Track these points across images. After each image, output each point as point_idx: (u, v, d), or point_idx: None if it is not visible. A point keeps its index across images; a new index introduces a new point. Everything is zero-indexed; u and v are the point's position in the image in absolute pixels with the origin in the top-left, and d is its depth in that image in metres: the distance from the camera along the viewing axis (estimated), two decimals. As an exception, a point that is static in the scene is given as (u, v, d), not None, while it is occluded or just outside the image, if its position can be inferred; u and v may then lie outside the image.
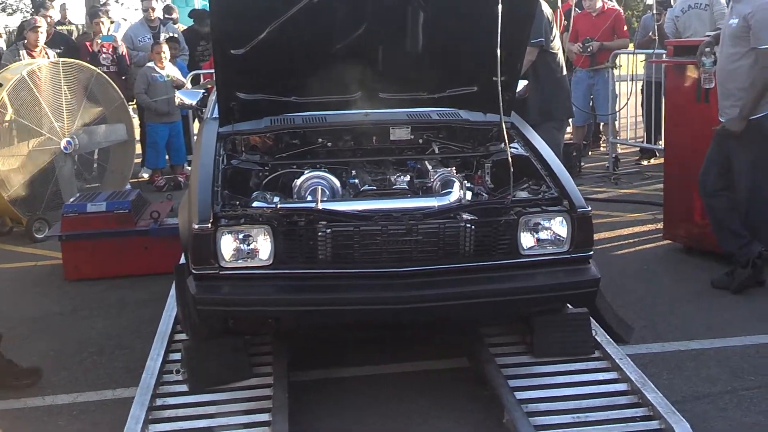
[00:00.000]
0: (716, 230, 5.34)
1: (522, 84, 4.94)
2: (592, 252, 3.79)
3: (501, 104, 3.96)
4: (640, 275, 5.61)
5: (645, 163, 9.30)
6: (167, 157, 9.28)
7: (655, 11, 8.67)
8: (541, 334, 3.92)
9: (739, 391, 3.88)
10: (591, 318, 4.04)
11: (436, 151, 4.49)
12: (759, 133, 5.00)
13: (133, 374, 4.03)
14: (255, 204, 3.74)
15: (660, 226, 6.36)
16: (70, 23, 12.04)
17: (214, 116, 4.56)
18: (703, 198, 5.39)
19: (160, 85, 8.80)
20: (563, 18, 9.48)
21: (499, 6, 3.73)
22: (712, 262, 5.59)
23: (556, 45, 6.30)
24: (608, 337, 4.09)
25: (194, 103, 5.49)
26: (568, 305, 4.02)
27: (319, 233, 3.54)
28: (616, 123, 9.53)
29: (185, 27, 10.73)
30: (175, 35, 9.68)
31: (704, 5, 7.75)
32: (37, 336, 4.88)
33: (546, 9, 6.19)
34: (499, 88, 3.90)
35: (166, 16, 10.53)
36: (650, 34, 8.65)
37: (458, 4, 4.21)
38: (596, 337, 4.01)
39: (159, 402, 3.62)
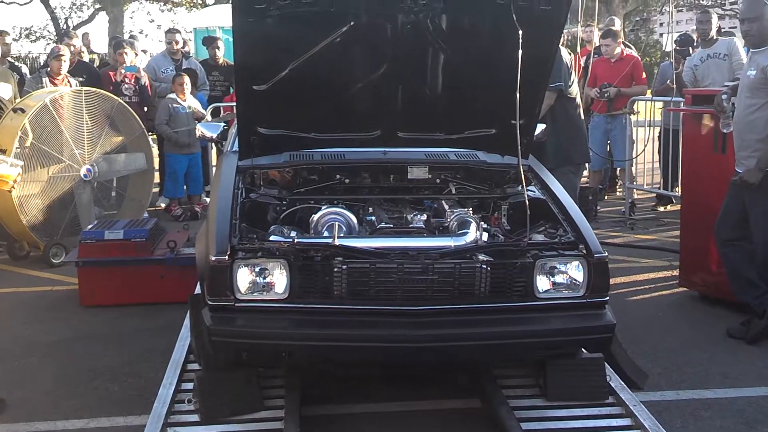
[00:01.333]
0: (732, 280, 5.32)
1: (540, 128, 4.98)
2: (607, 297, 3.79)
3: (519, 147, 3.99)
4: (655, 322, 5.58)
5: (661, 209, 9.29)
6: (185, 187, 9.35)
7: (673, 59, 8.72)
8: (555, 377, 3.90)
9: (753, 443, 3.85)
10: (606, 363, 4.02)
11: (453, 192, 4.52)
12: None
13: (146, 402, 4.04)
14: (272, 238, 3.78)
15: (676, 273, 6.34)
16: (92, 52, 12.20)
17: (234, 149, 4.61)
18: (719, 247, 5.38)
19: (181, 117, 8.90)
20: (581, 63, 9.55)
21: (519, 50, 3.77)
22: (728, 311, 5.55)
23: (574, 90, 6.36)
24: (623, 383, 4.06)
25: (215, 135, 5.56)
26: (583, 350, 4.00)
27: (335, 269, 3.56)
28: (633, 168, 9.55)
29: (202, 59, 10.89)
30: (196, 69, 9.80)
31: (723, 55, 7.80)
32: (50, 361, 4.89)
33: (565, 54, 6.25)
34: (518, 130, 3.93)
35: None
36: (668, 81, 8.69)
37: (478, 47, 4.26)
38: (611, 382, 3.98)
39: (170, 431, 3.61)
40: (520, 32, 3.78)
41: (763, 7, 5.00)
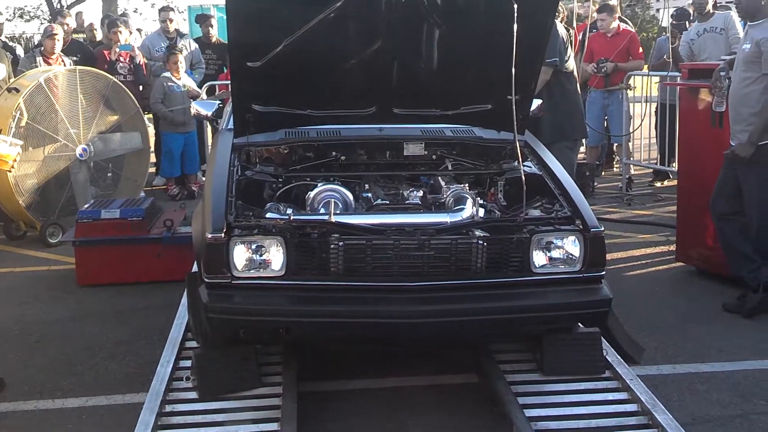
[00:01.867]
0: (727, 254, 5.33)
1: (536, 103, 4.96)
2: (604, 272, 3.79)
3: (515, 122, 3.98)
4: (652, 296, 5.60)
5: (658, 184, 9.29)
6: (181, 166, 9.33)
7: (669, 34, 8.69)
8: (551, 352, 3.91)
9: (750, 415, 3.87)
10: (602, 338, 4.04)
11: (450, 168, 4.51)
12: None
13: (144, 380, 4.06)
14: (268, 215, 3.76)
15: (672, 248, 6.35)
16: (88, 30, 12.11)
17: (229, 127, 4.59)
18: (714, 221, 5.39)
19: (176, 95, 8.86)
20: (578, 38, 9.51)
21: (515, 25, 3.75)
22: (725, 285, 5.57)
23: (571, 65, 6.33)
24: (619, 357, 4.08)
25: (210, 113, 5.53)
26: (580, 324, 4.01)
27: (332, 246, 3.56)
28: (630, 144, 9.53)
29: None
30: (192, 48, 9.74)
31: (719, 29, 7.77)
32: (48, 340, 4.91)
33: (561, 29, 6.22)
34: (514, 106, 3.92)
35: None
36: (665, 56, 8.66)
37: (474, 22, 4.23)
38: (607, 357, 4.00)
39: (168, 408, 3.63)
40: (516, 6, 3.76)
41: None
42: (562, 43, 6.13)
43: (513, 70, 3.83)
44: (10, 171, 6.25)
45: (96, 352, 4.69)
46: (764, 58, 4.92)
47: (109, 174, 8.22)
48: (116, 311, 5.40)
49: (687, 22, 8.83)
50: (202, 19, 10.75)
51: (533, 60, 4.26)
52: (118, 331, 5.01)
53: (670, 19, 9.00)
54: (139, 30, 14.74)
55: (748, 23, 5.20)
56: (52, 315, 5.36)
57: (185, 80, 9.00)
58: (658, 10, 32.43)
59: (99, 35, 10.65)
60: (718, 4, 8.47)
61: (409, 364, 4.25)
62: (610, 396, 3.78)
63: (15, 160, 5.01)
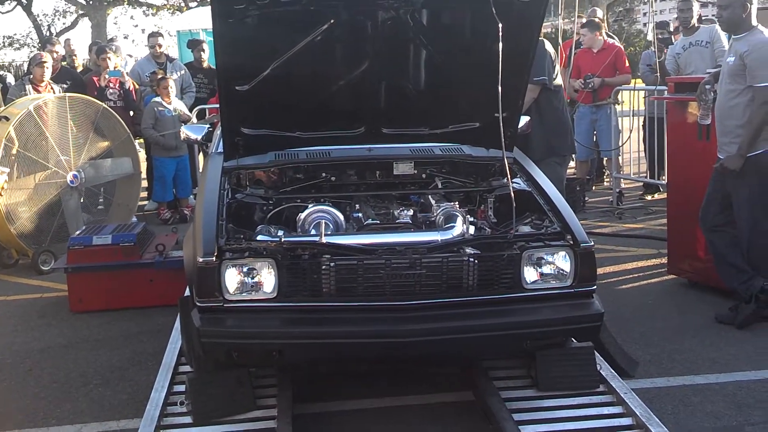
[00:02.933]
0: (718, 265, 5.35)
1: (524, 120, 4.99)
2: (595, 286, 3.81)
3: (503, 140, 4.00)
4: (644, 310, 5.61)
5: (649, 198, 9.33)
6: (173, 190, 9.34)
7: (655, 48, 8.76)
8: (545, 368, 3.91)
9: (745, 427, 3.87)
10: (596, 352, 4.05)
11: (439, 186, 4.53)
12: (757, 170, 5.05)
13: (138, 406, 4.04)
14: (259, 237, 3.78)
15: (664, 260, 6.38)
16: (68, 56, 12.13)
17: (219, 151, 4.61)
18: (704, 233, 5.42)
19: (167, 120, 8.87)
20: (565, 55, 9.57)
21: (500, 44, 3.79)
22: (717, 297, 5.59)
23: (558, 82, 6.37)
24: (613, 371, 4.08)
25: (199, 137, 5.55)
26: (573, 339, 4.02)
27: (323, 267, 3.57)
28: (620, 158, 9.58)
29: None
30: (181, 72, 9.78)
31: (705, 42, 7.84)
32: (41, 367, 4.88)
33: (548, 46, 6.27)
34: (501, 124, 3.94)
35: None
36: (648, 65, 8.75)
37: (459, 42, 4.28)
38: (601, 371, 4.01)
39: (163, 434, 3.62)
40: (500, 25, 3.79)
41: None
42: (549, 61, 6.18)
43: (499, 87, 3.86)
44: None
45: (89, 378, 4.67)
46: (748, 71, 4.97)
47: (101, 200, 8.23)
48: (109, 337, 5.39)
49: (672, 36, 8.90)
50: (194, 44, 10.80)
51: (519, 77, 4.29)
52: (112, 357, 5.00)
53: (654, 33, 9.08)
54: (130, 56, 14.81)
55: (732, 37, 5.25)
56: (45, 342, 5.34)
57: (176, 104, 9.02)
58: (645, 24, 32.71)
59: (78, 61, 10.64)
60: (703, 18, 8.55)
61: (404, 383, 4.25)
62: (605, 410, 3.78)
63: (3, 188, 5.03)
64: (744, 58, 4.97)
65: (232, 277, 3.57)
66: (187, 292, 4.14)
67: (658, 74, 8.31)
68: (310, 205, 4.08)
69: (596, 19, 9.79)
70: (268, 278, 3.58)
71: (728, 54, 5.20)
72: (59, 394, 4.47)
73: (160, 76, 9.15)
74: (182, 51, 14.49)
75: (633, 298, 5.87)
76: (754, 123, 4.97)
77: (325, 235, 3.67)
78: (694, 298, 5.80)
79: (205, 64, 10.20)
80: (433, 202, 4.30)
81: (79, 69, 10.29)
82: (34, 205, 7.23)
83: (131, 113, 9.25)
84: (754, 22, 5.14)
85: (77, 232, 6.34)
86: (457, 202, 4.24)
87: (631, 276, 6.46)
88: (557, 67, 6.41)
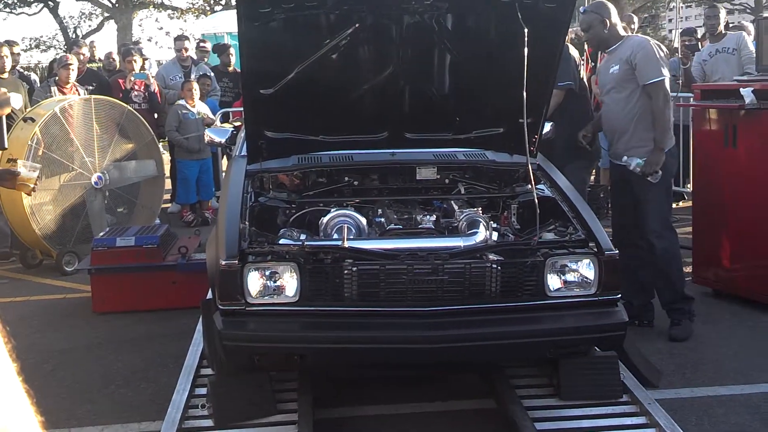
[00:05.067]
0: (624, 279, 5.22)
1: (548, 125, 4.96)
2: (619, 295, 3.77)
3: (527, 146, 3.98)
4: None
5: (674, 205, 9.23)
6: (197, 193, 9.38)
7: (680, 54, 8.69)
8: (568, 376, 3.88)
9: (770, 439, 3.82)
10: (619, 361, 4.00)
11: (462, 192, 4.51)
12: (663, 169, 5.01)
13: (159, 408, 4.04)
14: (282, 241, 3.78)
15: (689, 269, 6.30)
16: (100, 60, 12.26)
17: (242, 154, 4.62)
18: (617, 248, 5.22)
19: (191, 123, 8.92)
20: (590, 59, 9.51)
21: (525, 48, 3.77)
22: (742, 306, 5.53)
23: (584, 86, 6.33)
24: (637, 381, 4.04)
25: (223, 140, 5.58)
26: (596, 348, 3.99)
27: (345, 271, 3.56)
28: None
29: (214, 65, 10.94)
30: (207, 74, 9.84)
31: (732, 50, 7.77)
32: (64, 368, 4.91)
33: (573, 51, 6.23)
34: (525, 129, 3.92)
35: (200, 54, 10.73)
36: (674, 76, 8.68)
37: (484, 46, 4.26)
38: (624, 381, 3.97)
39: (184, 437, 3.63)
40: (526, 30, 3.77)
41: (592, 17, 5.12)
42: (574, 66, 6.14)
43: (524, 93, 3.84)
44: (29, 195, 6.30)
45: (111, 379, 4.69)
46: (638, 71, 4.96)
47: (124, 203, 8.28)
48: (132, 338, 5.41)
49: (699, 42, 8.82)
50: (221, 48, 10.86)
51: (544, 83, 4.27)
52: (134, 359, 5.02)
53: (680, 40, 9.01)
54: (158, 62, 14.90)
55: (606, 53, 5.28)
56: (68, 343, 5.37)
57: (200, 107, 9.07)
58: (670, 31, 32.49)
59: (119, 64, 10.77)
60: (729, 25, 8.47)
61: (425, 390, 4.23)
62: (628, 420, 3.74)
63: (36, 184, 5.08)
64: (630, 61, 4.97)
65: (254, 281, 3.57)
66: (209, 295, 4.14)
67: (680, 82, 8.24)
68: (332, 209, 4.07)
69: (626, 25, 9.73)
70: (290, 282, 3.57)
71: (609, 66, 5.16)
72: (81, 394, 4.49)
73: (184, 80, 9.21)
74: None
75: (657, 306, 5.80)
76: (662, 117, 4.94)
77: (348, 239, 3.66)
78: (719, 307, 5.73)
79: (230, 68, 10.25)
80: (456, 207, 4.28)
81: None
82: (59, 206, 7.28)
83: (155, 116, 9.30)
84: (622, 32, 5.22)
85: (101, 234, 6.38)
86: (480, 208, 4.23)
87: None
88: (583, 72, 6.37)
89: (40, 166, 5.80)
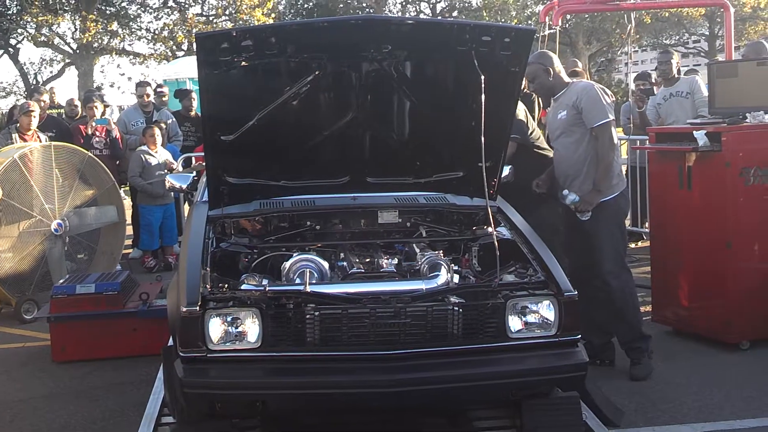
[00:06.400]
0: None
1: (507, 169, 5.04)
2: (580, 335, 3.81)
3: (486, 189, 4.04)
4: (628, 358, 5.60)
5: (632, 246, 9.36)
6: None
7: (633, 98, 8.88)
8: (530, 417, 3.88)
9: (730, 476, 3.86)
10: (581, 401, 4.03)
11: (424, 235, 4.55)
12: (615, 211, 5.16)
13: (119, 459, 3.99)
14: (243, 287, 3.77)
15: (648, 308, 6.38)
16: (60, 106, 12.22)
17: (204, 199, 4.62)
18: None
19: (154, 168, 8.89)
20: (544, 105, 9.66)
21: (483, 95, 3.84)
22: (702, 345, 5.60)
23: (536, 135, 6.37)
24: (599, 420, 4.07)
25: (185, 186, 5.57)
26: (558, 389, 4.01)
27: (308, 316, 3.56)
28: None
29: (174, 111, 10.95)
30: (169, 120, 9.83)
31: (685, 93, 7.96)
32: (22, 418, 4.82)
33: (519, 106, 6.24)
34: (484, 173, 3.98)
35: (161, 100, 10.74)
36: (628, 119, 8.89)
37: (443, 93, 4.34)
38: (586, 420, 4.00)
39: (144, 487, 3.57)
40: (483, 77, 3.86)
41: (535, 68, 5.22)
42: (523, 122, 6.19)
43: (482, 138, 3.90)
44: None
45: (71, 430, 4.61)
46: (584, 115, 5.08)
47: (84, 250, 8.19)
48: (92, 387, 5.32)
49: (654, 87, 9.04)
50: (182, 94, 10.88)
51: (502, 128, 4.34)
52: (94, 409, 4.93)
53: (633, 83, 9.24)
54: (119, 108, 14.86)
55: (552, 100, 5.41)
56: (27, 393, 5.27)
57: (162, 153, 9.05)
58: (626, 74, 33.20)
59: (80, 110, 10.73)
60: (680, 70, 8.69)
61: (389, 434, 4.21)
62: (591, 460, 3.76)
63: None
64: (576, 105, 5.11)
65: (215, 327, 3.55)
66: (170, 342, 4.11)
67: (631, 125, 8.44)
68: (294, 254, 4.08)
69: (578, 69, 9.92)
70: (252, 328, 3.56)
71: (558, 112, 5.28)
72: (39, 446, 4.41)
73: (145, 125, 9.20)
74: (170, 100, 14.57)
75: (617, 346, 5.86)
76: (606, 159, 5.05)
77: (310, 284, 3.67)
78: (679, 345, 5.80)
79: (192, 113, 10.27)
80: (417, 250, 4.32)
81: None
82: (18, 254, 7.19)
83: (117, 162, 9.27)
84: (566, 78, 5.37)
85: (61, 281, 6.31)
86: (441, 251, 4.26)
87: (616, 324, 6.44)
88: (531, 123, 6.44)
89: None
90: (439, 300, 3.70)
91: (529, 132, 6.26)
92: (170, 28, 26.37)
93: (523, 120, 6.23)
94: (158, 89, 11.11)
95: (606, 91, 5.24)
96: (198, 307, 3.51)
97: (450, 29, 4.01)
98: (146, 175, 8.88)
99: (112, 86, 30.20)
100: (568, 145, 5.21)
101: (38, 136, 8.34)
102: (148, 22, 29.89)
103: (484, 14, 31.08)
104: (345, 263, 4.17)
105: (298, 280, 3.86)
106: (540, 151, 6.33)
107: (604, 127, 5.05)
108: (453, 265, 4.11)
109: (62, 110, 11.43)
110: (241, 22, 24.64)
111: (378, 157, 4.54)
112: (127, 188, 9.55)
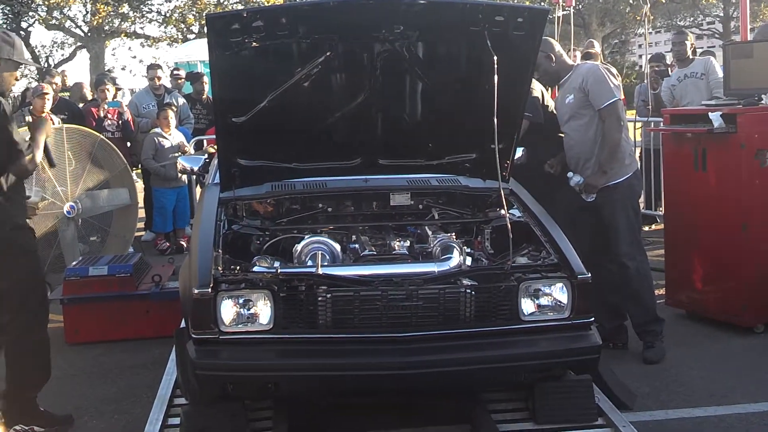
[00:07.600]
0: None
1: (520, 151, 5.00)
2: (593, 318, 3.79)
3: (499, 171, 4.02)
4: (641, 341, 5.58)
5: (646, 228, 9.30)
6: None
7: (647, 79, 8.80)
8: (543, 400, 3.88)
9: (743, 460, 3.84)
10: (594, 384, 4.01)
11: (436, 217, 4.53)
12: (629, 194, 5.13)
13: (132, 440, 4.00)
14: (255, 269, 3.77)
15: (662, 292, 6.35)
16: (65, 90, 12.20)
17: (215, 182, 4.61)
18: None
19: (167, 151, 8.90)
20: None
21: (495, 76, 3.81)
22: (715, 328, 5.57)
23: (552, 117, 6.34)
24: (611, 403, 4.05)
25: (196, 168, 5.56)
26: (571, 372, 3.99)
27: (319, 298, 3.55)
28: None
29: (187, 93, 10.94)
30: (173, 102, 9.80)
31: (700, 74, 7.88)
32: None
33: (536, 85, 6.22)
34: (497, 155, 3.95)
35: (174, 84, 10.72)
36: (642, 101, 8.81)
37: (455, 74, 4.30)
38: (599, 403, 3.98)
39: (157, 468, 3.58)
40: (495, 58, 3.82)
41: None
42: (537, 100, 6.16)
43: (495, 119, 3.87)
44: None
45: (84, 411, 4.63)
46: (591, 97, 5.05)
47: (97, 232, 8.20)
48: (104, 369, 5.35)
49: (669, 68, 8.95)
50: (194, 76, 10.88)
51: (515, 109, 4.30)
52: (107, 390, 4.96)
53: (648, 65, 9.14)
54: (131, 90, 14.86)
55: (558, 85, 5.37)
56: (40, 375, 5.28)
57: (176, 135, 9.05)
58: (640, 56, 32.98)
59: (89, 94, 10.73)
60: (696, 50, 8.60)
61: (400, 416, 4.20)
62: (603, 443, 3.75)
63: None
64: (583, 88, 5.07)
65: (227, 309, 3.55)
66: (182, 324, 4.11)
67: (650, 107, 8.36)
68: (306, 236, 4.07)
69: (592, 51, 9.84)
70: (264, 310, 3.56)
71: (565, 96, 5.25)
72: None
73: (159, 108, 9.19)
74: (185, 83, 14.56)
75: (631, 329, 5.83)
76: (612, 140, 5.01)
77: (322, 266, 3.66)
78: (692, 329, 5.77)
79: (204, 96, 10.26)
80: (429, 233, 4.30)
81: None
82: (31, 236, 7.20)
83: (128, 144, 9.27)
84: (570, 62, 5.32)
85: (73, 263, 6.32)
86: (453, 233, 4.24)
87: (628, 307, 6.41)
88: (550, 102, 6.39)
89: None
90: (452, 282, 3.69)
91: (549, 110, 6.22)
92: (181, 10, 26.33)
93: (538, 97, 6.18)
94: (175, 72, 11.09)
95: (612, 71, 5.19)
96: (210, 289, 3.51)
97: (462, 9, 3.96)
98: (159, 158, 8.89)
99: (123, 69, 30.18)
100: (578, 128, 5.17)
101: (51, 119, 8.33)
102: (159, 5, 29.85)
103: (497, -5, 30.81)
104: (357, 245, 4.16)
105: (309, 263, 3.85)
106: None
107: (612, 107, 5.01)
108: (465, 247, 4.09)
109: (67, 94, 11.37)
110: (252, 3, 24.57)
111: (390, 139, 4.51)
112: (139, 171, 9.55)
